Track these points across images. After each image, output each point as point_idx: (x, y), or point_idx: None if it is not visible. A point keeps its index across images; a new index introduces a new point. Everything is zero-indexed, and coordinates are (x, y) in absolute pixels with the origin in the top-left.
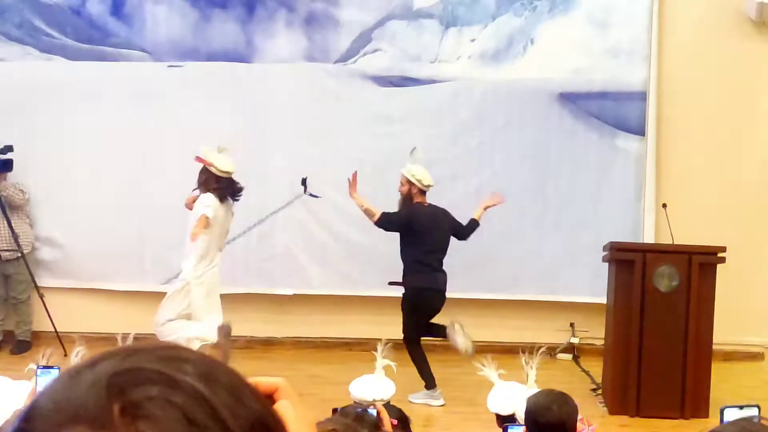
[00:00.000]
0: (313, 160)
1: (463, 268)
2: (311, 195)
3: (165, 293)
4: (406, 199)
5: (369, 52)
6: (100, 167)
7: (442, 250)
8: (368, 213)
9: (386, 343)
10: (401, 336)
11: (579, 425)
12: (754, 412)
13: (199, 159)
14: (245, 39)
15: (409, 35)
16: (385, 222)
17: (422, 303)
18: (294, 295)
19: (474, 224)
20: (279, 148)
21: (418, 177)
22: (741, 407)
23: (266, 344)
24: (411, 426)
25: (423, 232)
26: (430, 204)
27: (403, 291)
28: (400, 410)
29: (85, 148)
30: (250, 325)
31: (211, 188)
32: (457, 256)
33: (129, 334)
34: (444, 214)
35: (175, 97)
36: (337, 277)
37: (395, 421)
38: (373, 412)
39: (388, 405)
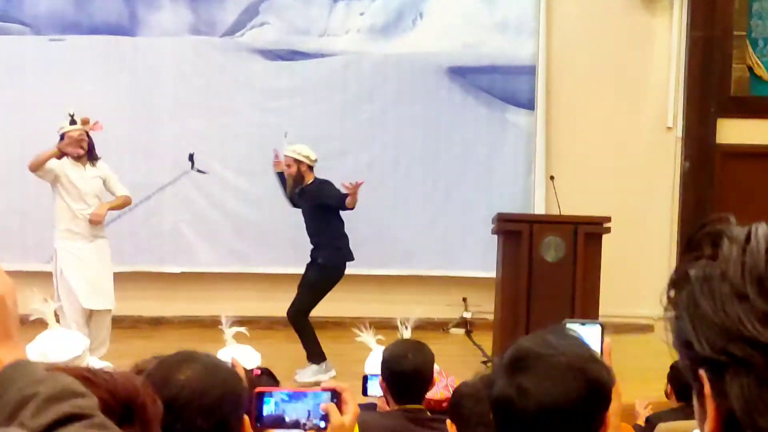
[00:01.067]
0: (200, 136)
1: (355, 245)
2: (198, 171)
3: (49, 272)
4: (298, 178)
5: (256, 26)
6: None
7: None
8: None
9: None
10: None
11: (437, 377)
12: (596, 328)
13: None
14: (129, 12)
15: (297, 8)
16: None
17: (337, 279)
18: (182, 273)
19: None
20: (165, 124)
21: (305, 153)
22: (583, 323)
23: (154, 323)
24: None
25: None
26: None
27: (320, 266)
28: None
29: None
30: (137, 304)
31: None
32: (349, 232)
33: None
34: None
35: (57, 72)
36: (226, 253)
37: (258, 371)
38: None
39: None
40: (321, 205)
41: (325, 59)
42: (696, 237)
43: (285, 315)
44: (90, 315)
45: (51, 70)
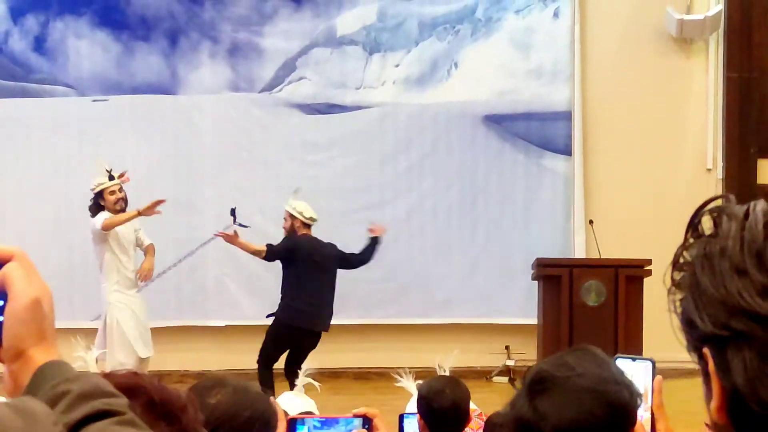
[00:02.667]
0: (241, 190)
1: (396, 294)
2: (240, 225)
3: (95, 329)
4: (290, 233)
5: (294, 81)
6: (25, 203)
7: (328, 282)
8: (256, 253)
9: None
10: (329, 365)
11: (476, 420)
12: (647, 364)
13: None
14: (169, 71)
15: (334, 62)
16: (271, 254)
17: (286, 337)
18: (226, 326)
19: (372, 243)
20: (207, 179)
21: (299, 209)
22: (634, 359)
23: (200, 377)
24: None
25: (306, 260)
26: (314, 237)
27: (276, 317)
28: None
29: (10, 183)
30: (183, 358)
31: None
32: (389, 281)
33: None
34: (330, 246)
35: (100, 131)
36: (269, 306)
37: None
38: None
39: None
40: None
41: (362, 111)
42: (697, 217)
43: (324, 366)
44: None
45: (94, 130)
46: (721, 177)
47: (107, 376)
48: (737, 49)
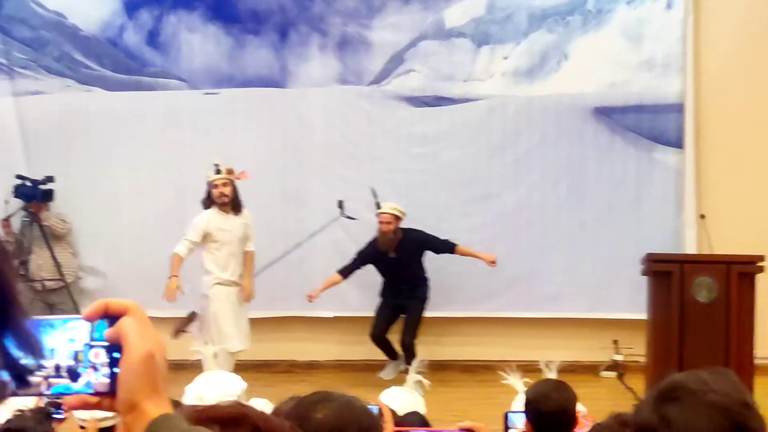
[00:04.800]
0: (349, 183)
1: (503, 288)
2: (348, 217)
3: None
4: (396, 231)
5: (402, 73)
6: (139, 195)
7: None
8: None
9: (421, 361)
10: (435, 357)
11: (582, 422)
12: None
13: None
14: (279, 64)
15: (442, 55)
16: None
17: None
18: (334, 317)
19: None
20: (315, 172)
21: (401, 209)
22: None
23: (307, 367)
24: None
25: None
26: None
27: (423, 300)
28: (423, 417)
29: (124, 176)
30: (291, 349)
31: None
32: (496, 275)
33: None
34: None
35: (211, 124)
36: (376, 297)
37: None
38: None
39: (413, 413)
40: (425, 248)
41: (470, 104)
42: None
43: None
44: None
45: (206, 123)
46: None
47: (213, 407)
48: None
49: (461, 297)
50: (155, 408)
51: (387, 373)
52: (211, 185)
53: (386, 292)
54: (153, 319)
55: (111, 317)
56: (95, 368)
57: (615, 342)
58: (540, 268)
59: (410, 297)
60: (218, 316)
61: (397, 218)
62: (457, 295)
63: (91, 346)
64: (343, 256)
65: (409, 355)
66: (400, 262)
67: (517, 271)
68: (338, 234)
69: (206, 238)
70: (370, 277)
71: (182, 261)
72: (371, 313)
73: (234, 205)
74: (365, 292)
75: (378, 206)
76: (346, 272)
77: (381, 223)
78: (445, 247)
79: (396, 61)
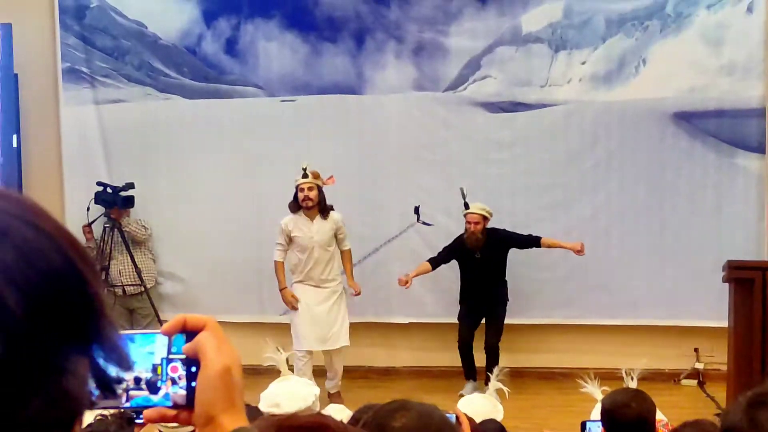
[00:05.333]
0: (425, 188)
1: (581, 294)
2: (424, 223)
3: (286, 324)
4: (484, 232)
5: (478, 79)
6: (217, 201)
7: None
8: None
9: (502, 369)
10: (512, 364)
11: (661, 430)
12: None
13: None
14: (355, 71)
15: (519, 60)
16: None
17: None
18: (410, 323)
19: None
20: (391, 178)
21: (488, 209)
22: None
23: (384, 373)
24: None
25: None
26: None
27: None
28: (500, 425)
29: (202, 183)
30: (367, 354)
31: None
32: (575, 282)
33: None
34: None
35: (288, 131)
36: (452, 303)
37: None
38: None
39: (490, 420)
40: (510, 245)
41: (547, 109)
42: None
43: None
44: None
45: (282, 130)
46: None
47: (292, 417)
48: None
49: (540, 303)
50: (231, 422)
51: (466, 391)
52: (298, 188)
53: (467, 296)
54: (231, 324)
55: (189, 332)
56: (173, 381)
57: (696, 350)
58: (619, 275)
59: (492, 300)
60: (293, 316)
61: (485, 219)
62: (535, 302)
63: (170, 360)
64: (420, 262)
65: (493, 358)
66: (484, 262)
67: (596, 277)
68: (414, 240)
69: (291, 240)
70: (447, 283)
71: (283, 265)
72: (447, 320)
73: (321, 208)
74: (442, 298)
75: (466, 206)
76: (435, 263)
77: (469, 223)
78: (530, 241)
79: (472, 67)
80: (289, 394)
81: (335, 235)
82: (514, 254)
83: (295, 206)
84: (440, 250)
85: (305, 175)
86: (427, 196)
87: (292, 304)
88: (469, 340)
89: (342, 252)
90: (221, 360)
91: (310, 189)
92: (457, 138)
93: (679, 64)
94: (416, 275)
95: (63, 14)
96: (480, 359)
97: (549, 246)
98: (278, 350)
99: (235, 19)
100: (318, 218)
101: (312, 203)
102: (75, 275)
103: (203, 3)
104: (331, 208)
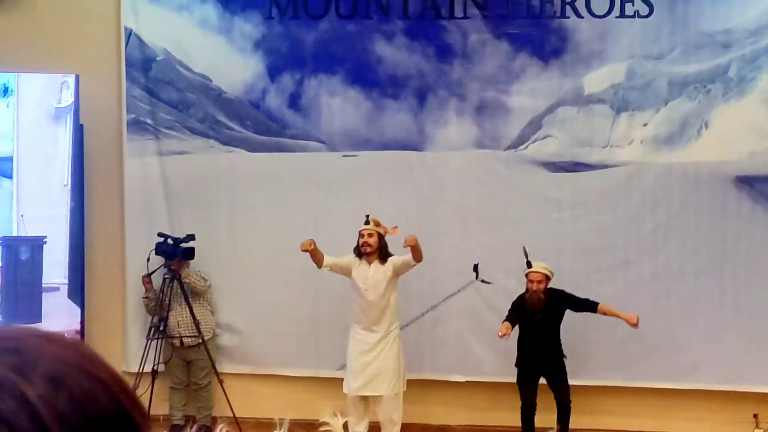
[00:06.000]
0: (484, 246)
1: (639, 356)
2: (483, 281)
3: (340, 378)
4: (546, 291)
5: (539, 138)
6: (276, 254)
7: None
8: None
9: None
10: (571, 425)
11: None
12: None
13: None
14: (417, 128)
15: (580, 120)
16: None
17: None
18: (466, 381)
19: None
20: (450, 235)
21: (550, 269)
22: None
23: (440, 431)
24: None
25: None
26: None
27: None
28: None
29: (262, 235)
30: (423, 412)
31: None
32: (633, 344)
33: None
34: None
35: (349, 185)
36: (510, 364)
37: None
38: None
39: None
40: (567, 307)
41: (608, 170)
42: None
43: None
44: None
45: (343, 184)
46: None
47: None
48: None
49: (597, 365)
50: None
51: None
52: (359, 234)
53: (526, 356)
54: (287, 377)
55: None
56: None
57: (755, 416)
58: (678, 338)
59: (550, 358)
60: (347, 358)
61: (547, 278)
62: (592, 363)
63: None
64: (478, 320)
65: (566, 411)
66: (544, 323)
67: (655, 340)
68: (473, 298)
69: (352, 281)
70: (504, 342)
71: (321, 255)
72: (504, 379)
73: (380, 255)
74: (499, 356)
75: (529, 265)
76: (512, 322)
77: (531, 281)
78: (588, 306)
79: (534, 126)
80: None
81: (395, 269)
82: (570, 314)
83: (358, 252)
84: (507, 309)
85: (367, 222)
86: (486, 253)
87: (307, 244)
88: (533, 406)
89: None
90: None
91: (369, 235)
92: (517, 196)
93: (742, 128)
94: (508, 330)
95: (130, 66)
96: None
97: (605, 313)
98: (335, 415)
99: (299, 74)
100: (376, 263)
101: (371, 249)
102: (126, 420)
103: (268, 58)
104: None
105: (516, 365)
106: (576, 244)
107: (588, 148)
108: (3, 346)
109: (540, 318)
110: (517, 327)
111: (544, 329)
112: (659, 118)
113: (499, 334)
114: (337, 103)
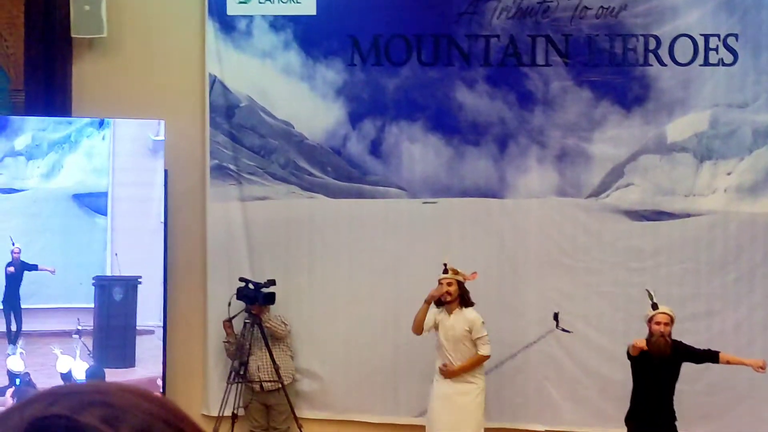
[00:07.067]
0: (564, 295)
1: (723, 408)
2: (563, 330)
3: (421, 426)
4: (671, 335)
5: (621, 186)
6: (357, 300)
7: None
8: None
9: None
10: None
11: None
12: None
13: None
14: (498, 175)
15: (663, 169)
16: None
17: None
18: (546, 431)
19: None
20: (530, 282)
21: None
22: None
23: None
24: None
25: None
26: None
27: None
28: None
29: (343, 281)
30: None
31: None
32: (716, 395)
33: None
34: None
35: (429, 232)
36: (590, 414)
37: None
38: None
39: None
40: (687, 357)
41: (691, 219)
42: None
43: None
44: None
45: (423, 231)
46: None
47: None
48: None
49: (680, 416)
50: None
51: None
52: (438, 283)
53: (641, 411)
54: (366, 424)
55: None
56: None
57: None
58: (762, 389)
59: (665, 418)
60: (428, 406)
61: (673, 322)
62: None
63: None
64: (558, 369)
65: None
66: (665, 372)
67: (739, 391)
68: (553, 346)
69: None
70: (583, 390)
71: (423, 320)
72: (583, 429)
73: (462, 302)
74: (579, 405)
75: (654, 307)
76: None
77: (658, 323)
78: (709, 356)
79: (615, 174)
80: None
81: (472, 335)
82: None
83: (439, 301)
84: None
85: (445, 270)
86: (567, 302)
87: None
88: None
89: (477, 357)
90: None
91: (449, 284)
92: (598, 245)
93: None
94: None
95: (213, 112)
96: None
97: (728, 362)
98: None
99: (380, 120)
100: (456, 311)
101: (451, 298)
102: None
103: (349, 105)
104: (472, 304)
105: (626, 420)
106: (658, 293)
107: (671, 196)
108: (93, 399)
109: (661, 366)
110: (630, 377)
111: (665, 381)
112: (743, 167)
113: (637, 344)
114: (418, 150)
